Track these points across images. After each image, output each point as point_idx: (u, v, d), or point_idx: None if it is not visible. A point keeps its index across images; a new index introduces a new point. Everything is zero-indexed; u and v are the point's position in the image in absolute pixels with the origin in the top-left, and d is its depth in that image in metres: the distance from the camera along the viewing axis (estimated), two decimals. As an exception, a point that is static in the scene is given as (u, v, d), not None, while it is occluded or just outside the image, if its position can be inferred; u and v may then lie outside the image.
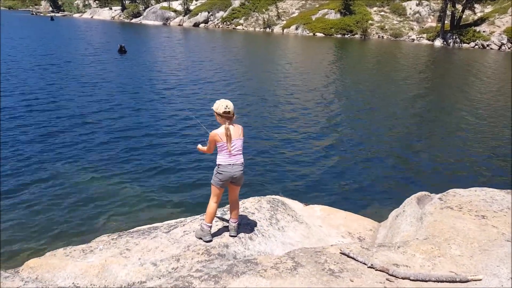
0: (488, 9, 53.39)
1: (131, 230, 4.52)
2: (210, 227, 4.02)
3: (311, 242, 4.78)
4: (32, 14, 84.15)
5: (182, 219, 4.99)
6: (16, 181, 8.28)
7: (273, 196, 6.64)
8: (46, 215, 7.06)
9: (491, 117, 15.49)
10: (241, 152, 3.94)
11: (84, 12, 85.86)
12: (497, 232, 3.84)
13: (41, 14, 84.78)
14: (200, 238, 3.99)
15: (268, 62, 28.98)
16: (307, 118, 14.42)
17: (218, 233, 4.13)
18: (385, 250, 3.59)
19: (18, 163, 9.14)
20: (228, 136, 3.81)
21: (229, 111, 3.80)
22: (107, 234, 4.20)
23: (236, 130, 3.88)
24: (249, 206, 5.04)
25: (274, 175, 9.39)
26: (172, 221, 5.01)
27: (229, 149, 3.84)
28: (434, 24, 53.72)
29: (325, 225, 5.91)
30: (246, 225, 4.33)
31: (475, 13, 51.34)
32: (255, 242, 4.11)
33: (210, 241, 3.95)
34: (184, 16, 69.66)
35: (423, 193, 5.40)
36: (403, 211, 5.18)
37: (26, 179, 8.37)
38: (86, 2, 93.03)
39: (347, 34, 55.77)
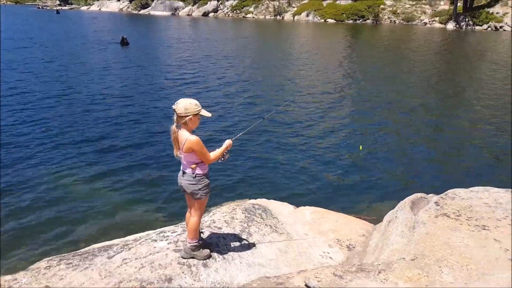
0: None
1: (79, 251, 3.95)
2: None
3: (289, 257, 4.21)
4: (39, 8, 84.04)
5: (143, 234, 4.42)
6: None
7: (257, 201, 6.07)
8: (8, 226, 6.50)
9: (504, 107, 14.44)
10: (185, 164, 3.42)
11: (92, 5, 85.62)
12: (499, 248, 3.20)
13: (48, 8, 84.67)
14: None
15: (279, 53, 27.89)
16: (306, 113, 13.66)
17: (167, 260, 3.53)
18: (363, 277, 2.99)
19: None
20: (174, 141, 3.37)
21: (174, 109, 3.29)
22: (48, 259, 3.66)
23: (181, 140, 3.33)
24: (219, 218, 4.46)
25: (267, 175, 8.78)
26: (131, 237, 4.40)
27: (175, 154, 3.40)
28: (446, 7, 51.86)
29: (312, 232, 5.34)
30: (206, 246, 3.72)
31: (488, -6, 49.50)
32: (210, 270, 3.49)
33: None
34: (193, 5, 68.87)
35: (419, 195, 4.78)
36: (396, 217, 4.58)
37: None
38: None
39: (359, 20, 54.23)
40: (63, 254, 3.83)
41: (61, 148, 9.75)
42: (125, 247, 3.79)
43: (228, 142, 3.56)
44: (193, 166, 3.36)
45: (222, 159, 3.52)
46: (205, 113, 3.37)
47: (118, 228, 6.46)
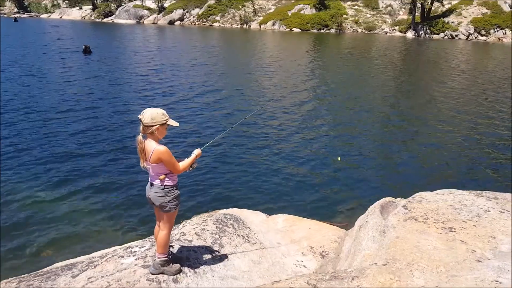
0: (455, 0, 54.27)
1: (41, 271, 3.73)
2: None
3: (262, 268, 4.16)
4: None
5: (110, 250, 4.24)
6: None
7: (229, 210, 6.00)
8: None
9: (464, 110, 15.14)
10: (154, 176, 3.32)
11: (53, 13, 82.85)
12: (466, 250, 3.30)
13: (5, 16, 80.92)
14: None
15: (248, 62, 27.81)
16: (276, 121, 13.79)
17: (135, 277, 3.38)
18: (337, 285, 2.99)
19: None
20: (140, 151, 3.25)
21: (140, 119, 3.21)
22: (6, 281, 3.39)
23: (148, 150, 3.23)
24: (189, 230, 4.35)
25: (238, 183, 8.74)
26: (97, 254, 4.24)
27: (142, 165, 3.30)
28: (405, 17, 54.23)
29: (285, 241, 5.32)
30: (176, 260, 3.60)
31: (443, 5, 52.29)
32: (181, 285, 3.37)
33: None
34: (158, 14, 68.10)
35: (387, 199, 4.88)
36: (366, 221, 4.65)
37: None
38: (55, 2, 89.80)
39: (323, 29, 55.55)
40: (23, 275, 3.61)
41: (23, 163, 9.31)
42: (91, 264, 3.63)
43: (197, 151, 3.50)
44: (162, 177, 3.27)
45: (190, 168, 3.46)
46: (172, 122, 3.30)
47: (83, 245, 6.23)
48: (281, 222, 5.89)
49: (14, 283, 3.32)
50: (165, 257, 3.44)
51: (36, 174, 8.76)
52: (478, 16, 48.37)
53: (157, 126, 3.18)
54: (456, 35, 47.64)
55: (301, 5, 59.45)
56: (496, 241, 3.34)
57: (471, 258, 3.15)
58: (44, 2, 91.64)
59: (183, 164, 3.36)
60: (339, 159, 10.01)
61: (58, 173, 8.83)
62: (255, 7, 64.65)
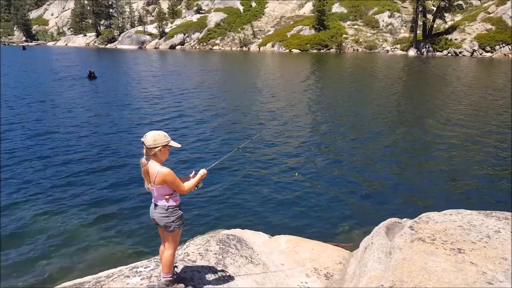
0: (458, 17, 54.66)
1: None
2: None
3: (265, 290, 4.05)
4: (5, 44, 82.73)
5: (116, 270, 4.21)
6: None
7: (231, 231, 5.93)
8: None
9: (474, 128, 14.73)
10: (157, 197, 3.37)
11: (59, 40, 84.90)
12: (476, 272, 3.17)
13: (14, 44, 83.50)
14: None
15: (251, 84, 27.97)
16: (278, 138, 13.77)
17: None
18: (341, 308, 2.87)
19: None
20: (144, 173, 3.32)
21: (143, 142, 3.30)
22: None
23: (152, 172, 3.29)
24: (193, 250, 4.30)
25: (241, 204, 8.62)
26: (104, 274, 4.23)
27: (146, 186, 3.36)
28: (407, 35, 54.54)
29: (289, 262, 5.20)
30: (181, 280, 3.57)
31: (445, 22, 52.29)
32: None
33: None
34: (159, 39, 69.46)
35: (393, 220, 4.76)
36: (371, 242, 4.52)
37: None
38: (61, 30, 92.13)
39: (323, 49, 56.23)
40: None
41: (30, 184, 9.44)
42: (97, 284, 3.68)
43: (202, 171, 3.57)
44: (167, 197, 3.34)
45: (196, 188, 3.52)
46: (174, 144, 3.39)
47: (90, 265, 6.29)
48: (284, 243, 5.80)
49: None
50: (170, 277, 3.48)
51: (43, 194, 8.86)
52: (483, 32, 47.97)
53: (159, 148, 3.27)
54: (460, 52, 47.21)
55: (300, 26, 60.46)
56: (508, 262, 3.21)
57: (482, 281, 3.03)
58: (50, 31, 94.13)
59: (188, 184, 3.44)
60: (296, 174, 9.97)
61: (64, 194, 8.91)
62: (254, 29, 65.84)
